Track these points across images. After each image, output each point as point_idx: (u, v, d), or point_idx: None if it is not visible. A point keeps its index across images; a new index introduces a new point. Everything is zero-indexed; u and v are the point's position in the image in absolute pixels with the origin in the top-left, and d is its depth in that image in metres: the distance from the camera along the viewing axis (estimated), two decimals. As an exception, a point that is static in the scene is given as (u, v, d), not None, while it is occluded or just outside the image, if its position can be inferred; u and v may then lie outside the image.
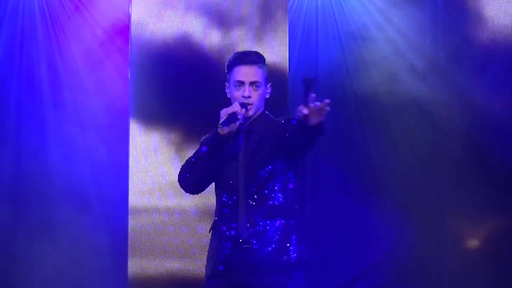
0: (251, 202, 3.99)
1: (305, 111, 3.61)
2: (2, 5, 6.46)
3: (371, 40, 6.76)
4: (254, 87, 4.05)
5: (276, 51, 6.34)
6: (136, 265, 6.30)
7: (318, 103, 3.64)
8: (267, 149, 4.05)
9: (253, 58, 4.10)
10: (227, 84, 4.15)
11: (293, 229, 4.02)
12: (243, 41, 6.35)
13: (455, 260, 6.72)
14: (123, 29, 6.50)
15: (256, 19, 6.37)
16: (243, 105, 3.99)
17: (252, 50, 4.60)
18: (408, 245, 6.69)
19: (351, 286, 6.63)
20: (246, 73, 4.06)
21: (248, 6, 6.37)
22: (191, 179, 4.05)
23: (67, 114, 6.51)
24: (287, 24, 6.40)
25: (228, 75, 4.14)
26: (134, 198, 6.31)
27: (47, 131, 6.47)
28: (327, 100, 3.63)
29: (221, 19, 6.38)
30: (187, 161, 4.06)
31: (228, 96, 4.16)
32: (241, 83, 4.04)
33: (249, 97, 4.03)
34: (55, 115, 6.47)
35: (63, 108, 6.50)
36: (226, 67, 4.17)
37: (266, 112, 4.11)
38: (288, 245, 3.99)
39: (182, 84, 6.35)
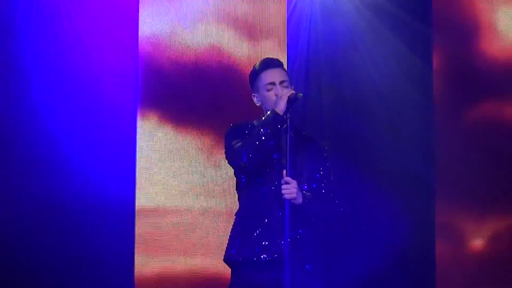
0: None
1: None
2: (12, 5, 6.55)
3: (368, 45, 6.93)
4: (284, 86, 4.37)
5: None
6: (142, 263, 6.41)
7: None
8: (313, 162, 4.39)
9: (277, 62, 4.48)
10: (254, 94, 4.46)
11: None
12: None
13: (455, 255, 6.84)
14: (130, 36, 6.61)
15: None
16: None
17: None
18: (409, 238, 6.83)
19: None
20: (274, 74, 4.40)
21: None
22: (252, 160, 4.23)
23: (74, 113, 6.51)
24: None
25: (254, 84, 4.46)
26: (141, 199, 6.45)
27: (55, 131, 6.47)
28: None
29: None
30: (244, 144, 4.25)
31: (258, 104, 4.46)
32: (272, 84, 4.36)
33: None
34: (62, 115, 6.49)
35: (70, 107, 6.51)
36: (250, 78, 4.49)
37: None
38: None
39: (191, 89, 6.55)
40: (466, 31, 6.95)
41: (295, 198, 4.15)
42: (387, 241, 6.76)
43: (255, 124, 4.40)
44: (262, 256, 4.22)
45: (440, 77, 6.93)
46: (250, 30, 6.68)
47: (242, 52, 6.64)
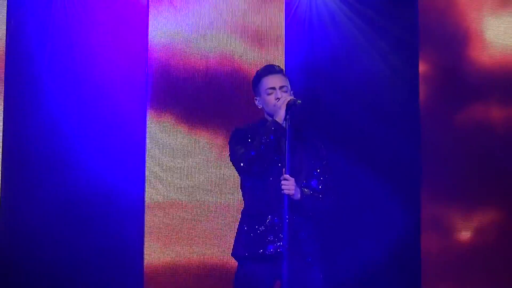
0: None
1: None
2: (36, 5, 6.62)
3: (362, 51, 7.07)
4: (283, 92, 4.56)
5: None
6: (152, 254, 6.58)
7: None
8: (311, 161, 4.59)
9: (278, 68, 4.65)
10: (256, 97, 4.64)
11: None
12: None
13: (440, 247, 6.96)
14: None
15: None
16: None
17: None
18: (396, 231, 6.87)
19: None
20: (275, 80, 4.58)
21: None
22: (254, 165, 4.46)
23: (89, 115, 6.64)
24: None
25: (256, 89, 4.63)
26: (150, 194, 6.59)
27: (72, 132, 6.60)
28: None
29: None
30: (246, 151, 4.45)
31: (260, 107, 4.64)
32: (273, 89, 4.54)
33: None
34: (79, 117, 6.64)
35: (86, 109, 6.64)
36: (253, 83, 4.65)
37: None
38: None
39: (200, 91, 6.73)
40: (452, 39, 7.04)
41: (293, 194, 4.34)
42: (375, 234, 6.85)
43: (257, 126, 4.58)
44: (267, 251, 4.43)
45: (427, 80, 7.04)
46: (255, 38, 6.80)
47: (249, 58, 6.76)
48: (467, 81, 7.05)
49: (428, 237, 6.94)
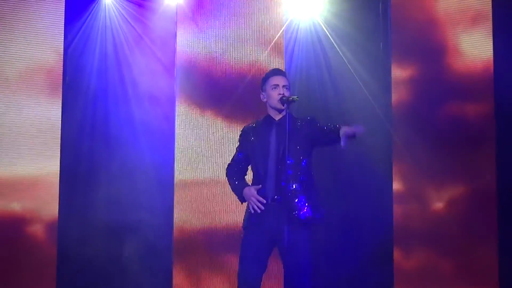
0: (280, 178, 5.09)
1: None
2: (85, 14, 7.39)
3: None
4: (285, 89, 5.29)
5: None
6: (181, 221, 7.22)
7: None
8: (298, 141, 5.13)
9: (283, 71, 5.47)
10: (263, 93, 5.30)
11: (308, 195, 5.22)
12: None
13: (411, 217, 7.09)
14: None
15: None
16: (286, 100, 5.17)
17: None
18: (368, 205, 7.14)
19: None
20: (280, 79, 5.31)
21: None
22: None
23: (133, 112, 7.29)
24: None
25: (264, 85, 5.29)
26: (180, 171, 7.20)
27: (121, 122, 7.32)
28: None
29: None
30: (231, 177, 5.35)
31: (264, 100, 5.31)
32: (277, 86, 5.27)
33: (284, 94, 5.27)
34: (125, 114, 7.30)
35: (131, 106, 7.32)
36: (262, 80, 5.31)
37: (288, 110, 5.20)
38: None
39: (223, 82, 7.34)
40: (427, 51, 7.20)
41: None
42: (349, 205, 7.10)
43: (261, 123, 5.24)
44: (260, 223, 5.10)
45: (400, 81, 7.24)
46: (268, 50, 7.29)
47: (263, 64, 7.24)
48: (439, 81, 7.19)
49: (401, 208, 7.07)
